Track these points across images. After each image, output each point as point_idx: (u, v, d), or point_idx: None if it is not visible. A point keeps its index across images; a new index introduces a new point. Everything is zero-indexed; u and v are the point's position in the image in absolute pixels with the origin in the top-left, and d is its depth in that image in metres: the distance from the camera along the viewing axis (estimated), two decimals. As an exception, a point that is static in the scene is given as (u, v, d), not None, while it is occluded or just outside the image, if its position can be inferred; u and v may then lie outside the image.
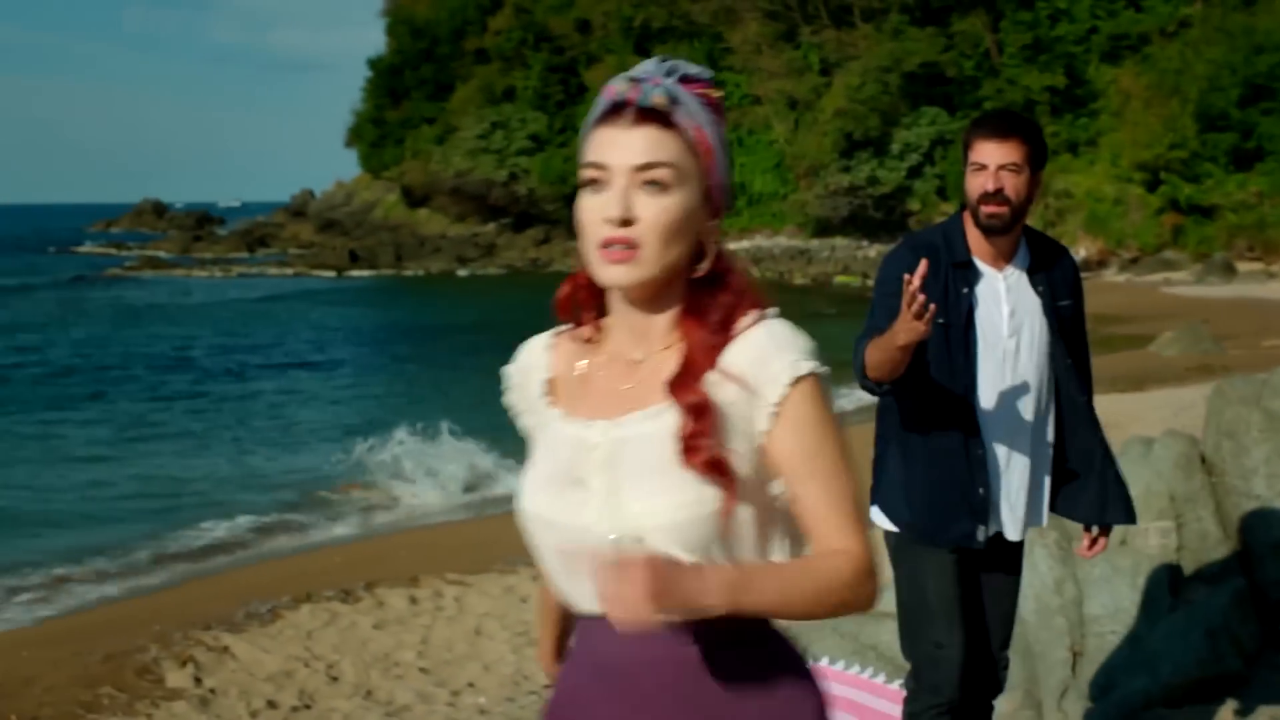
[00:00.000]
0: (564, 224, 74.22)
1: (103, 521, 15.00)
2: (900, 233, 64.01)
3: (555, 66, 78.50)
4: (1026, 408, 4.48)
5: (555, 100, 77.85)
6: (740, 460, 2.23)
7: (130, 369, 30.34)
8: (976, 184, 4.42)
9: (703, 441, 2.19)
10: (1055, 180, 56.83)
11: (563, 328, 2.49)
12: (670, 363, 2.29)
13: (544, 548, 2.35)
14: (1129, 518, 4.73)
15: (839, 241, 66.27)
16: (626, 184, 2.21)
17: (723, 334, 2.28)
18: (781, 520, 2.32)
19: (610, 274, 2.24)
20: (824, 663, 6.37)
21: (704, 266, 2.31)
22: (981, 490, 4.44)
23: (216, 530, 14.39)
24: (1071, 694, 6.16)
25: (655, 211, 2.21)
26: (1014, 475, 4.50)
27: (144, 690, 8.67)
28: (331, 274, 67.28)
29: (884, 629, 6.62)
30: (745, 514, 2.25)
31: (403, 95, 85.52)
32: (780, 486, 2.28)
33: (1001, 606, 4.76)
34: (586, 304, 2.43)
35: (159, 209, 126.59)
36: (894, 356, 4.16)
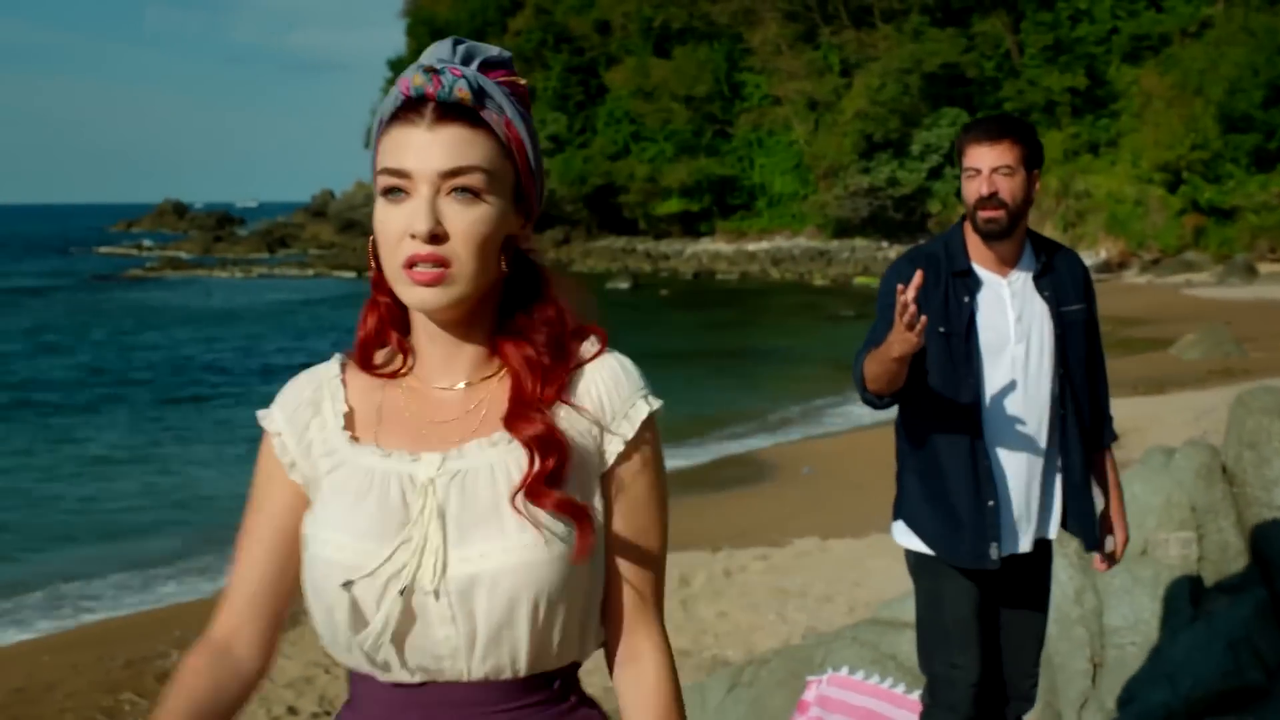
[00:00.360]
0: (583, 224, 74.36)
1: (124, 527, 15.07)
2: (920, 234, 64.16)
3: (575, 67, 78.65)
4: (1037, 415, 4.42)
5: (575, 101, 78.00)
6: (590, 499, 2.00)
7: (151, 373, 30.41)
8: (972, 189, 4.39)
9: (553, 480, 1.93)
10: (1076, 181, 56.78)
11: (341, 354, 2.16)
12: (499, 390, 2.04)
13: (341, 602, 1.93)
14: (1087, 540, 4.62)
15: (859, 243, 66.26)
16: (432, 193, 1.91)
17: (558, 359, 2.03)
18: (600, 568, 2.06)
19: (419, 296, 1.93)
20: (843, 672, 6.36)
21: (504, 269, 2.00)
22: (990, 503, 4.39)
23: (234, 535, 14.35)
24: (1091, 706, 6.14)
25: (467, 224, 1.92)
26: (1024, 485, 4.44)
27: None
28: (352, 275, 67.36)
29: (903, 639, 6.61)
30: (591, 559, 1.99)
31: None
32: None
33: (1029, 624, 4.70)
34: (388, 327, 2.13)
35: (180, 209, 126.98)
36: (890, 369, 4.13)
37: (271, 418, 2.11)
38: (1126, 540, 4.70)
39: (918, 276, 3.95)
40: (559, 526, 1.92)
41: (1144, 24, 61.92)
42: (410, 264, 1.91)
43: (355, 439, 2.03)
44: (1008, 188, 4.34)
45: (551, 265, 2.14)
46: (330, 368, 2.13)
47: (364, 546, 1.92)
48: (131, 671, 9.18)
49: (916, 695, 5.64)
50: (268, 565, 2.08)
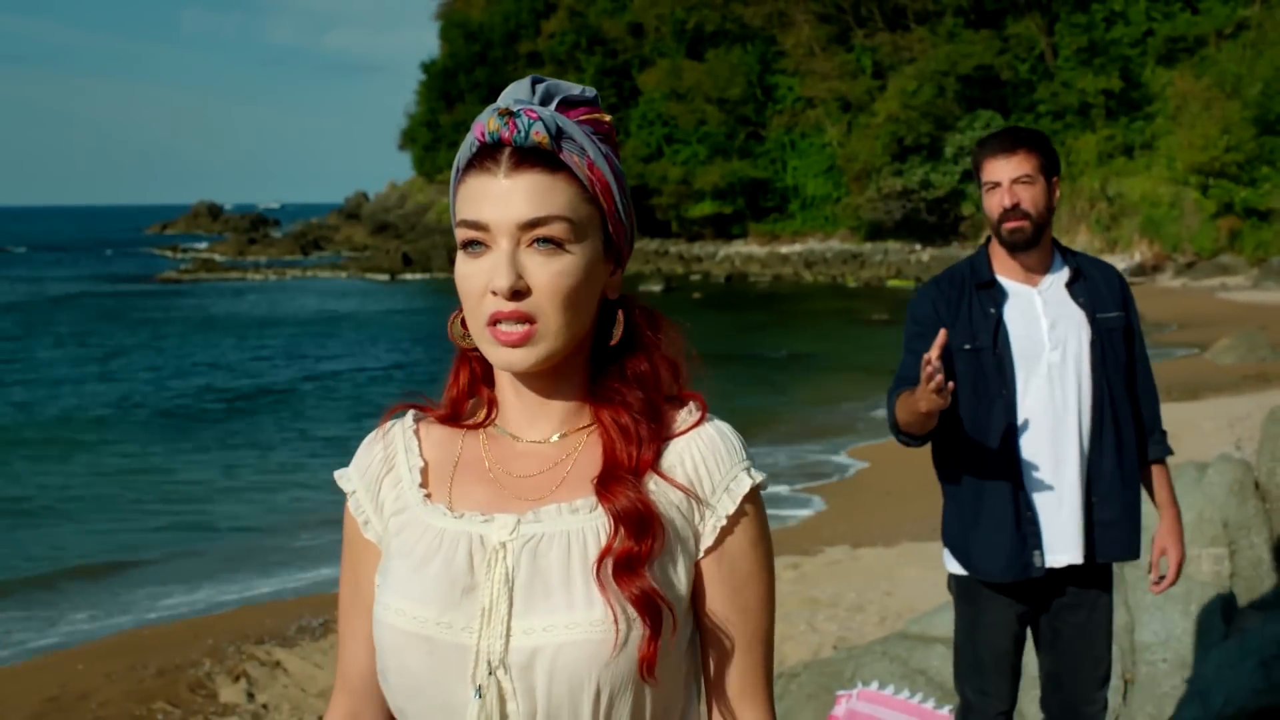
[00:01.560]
0: (616, 227, 74.14)
1: (157, 536, 15.10)
2: (953, 237, 63.98)
3: (608, 70, 78.64)
4: (1075, 424, 4.40)
5: (608, 104, 77.34)
6: (678, 587, 1.87)
7: (190, 381, 30.50)
8: (994, 202, 4.41)
9: (639, 564, 1.80)
10: (1110, 184, 56.51)
11: (417, 405, 2.06)
12: (586, 449, 1.92)
13: (410, 673, 1.85)
14: (1122, 551, 4.50)
15: (891, 245, 66.09)
16: (512, 245, 1.80)
17: (652, 424, 1.90)
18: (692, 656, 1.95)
19: (505, 358, 1.83)
20: (873, 687, 6.34)
21: (616, 333, 1.93)
22: (1030, 513, 4.38)
23: (269, 543, 14.45)
24: (1122, 723, 6.12)
25: (551, 276, 1.80)
26: (1065, 495, 4.40)
27: (197, 705, 8.75)
28: (385, 277, 67.53)
29: (934, 654, 6.61)
30: (672, 651, 1.86)
31: (456, 98, 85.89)
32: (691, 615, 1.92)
33: (1087, 648, 4.58)
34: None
35: (214, 211, 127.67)
36: (920, 418, 4.14)
37: (347, 477, 2.02)
38: (1181, 560, 4.63)
39: (941, 335, 3.95)
40: (634, 611, 1.79)
41: (1179, 26, 61.55)
42: (494, 322, 1.82)
43: (429, 496, 1.93)
44: (1029, 197, 4.37)
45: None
46: (405, 422, 2.02)
47: (426, 614, 1.82)
48: (164, 681, 9.21)
49: (947, 710, 5.64)
50: (371, 639, 1.95)
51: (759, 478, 1.92)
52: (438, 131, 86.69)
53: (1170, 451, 4.69)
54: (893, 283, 59.33)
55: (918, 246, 65.41)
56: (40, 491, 17.88)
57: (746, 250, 71.55)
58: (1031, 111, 62.36)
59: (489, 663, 1.79)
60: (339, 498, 2.05)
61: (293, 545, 14.30)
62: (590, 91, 1.92)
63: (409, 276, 68.05)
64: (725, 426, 1.95)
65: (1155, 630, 6.24)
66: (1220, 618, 6.20)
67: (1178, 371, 22.73)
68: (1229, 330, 27.30)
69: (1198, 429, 15.44)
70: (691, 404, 1.96)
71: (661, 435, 1.91)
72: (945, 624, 6.68)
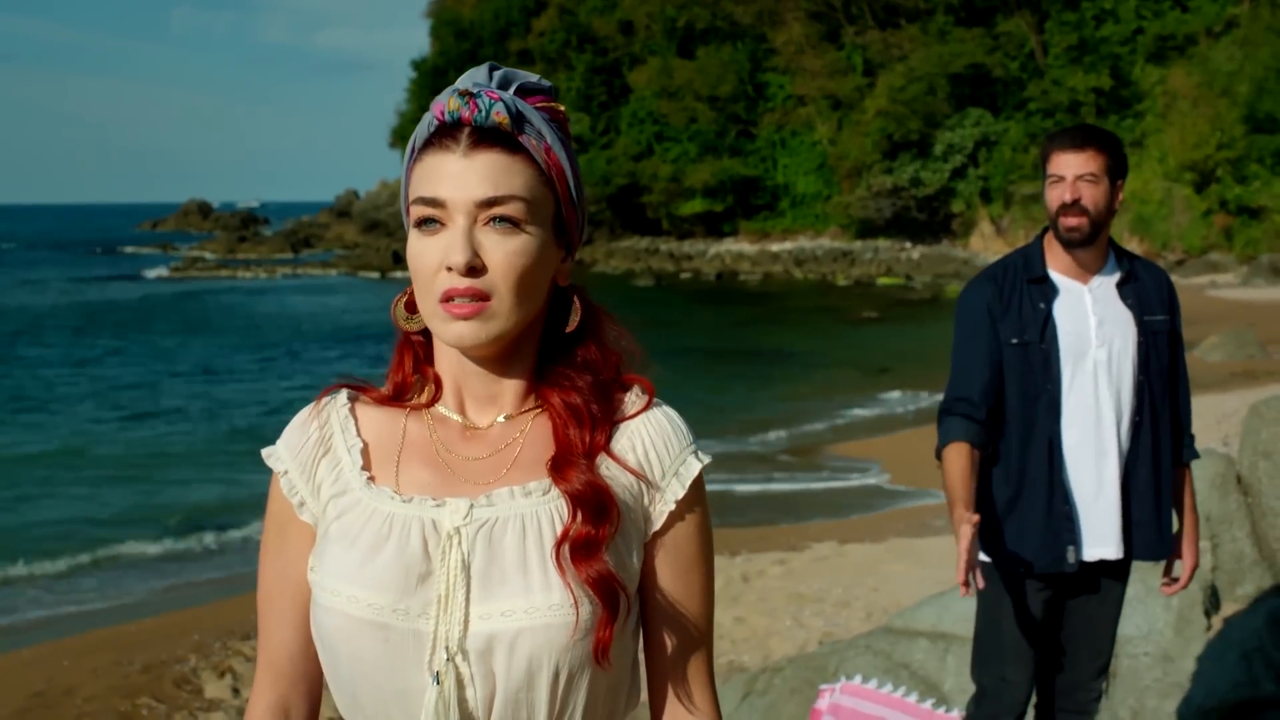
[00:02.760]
0: (606, 225, 74.32)
1: (143, 530, 15.08)
2: (943, 234, 64.05)
3: (599, 68, 78.65)
4: (1116, 422, 4.43)
5: (599, 101, 77.96)
6: (632, 570, 1.88)
7: (172, 377, 30.51)
8: (1055, 196, 4.41)
9: (597, 547, 1.80)
10: (1100, 182, 56.56)
11: (351, 384, 2.01)
12: (534, 431, 1.91)
13: (363, 660, 1.82)
14: (1154, 552, 4.56)
15: (882, 243, 66.19)
16: (468, 223, 1.80)
17: (602, 405, 1.91)
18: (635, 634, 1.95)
19: (456, 332, 1.81)
20: (856, 681, 6.35)
21: (573, 319, 1.93)
22: (1067, 507, 4.40)
23: (256, 540, 14.44)
24: (1104, 716, 6.12)
25: (507, 255, 1.80)
26: (1102, 491, 4.44)
27: (182, 701, 8.74)
28: (375, 275, 67.57)
29: (917, 648, 6.61)
30: (623, 634, 1.86)
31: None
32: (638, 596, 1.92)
33: (1097, 638, 4.65)
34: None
35: (204, 209, 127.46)
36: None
37: (277, 455, 1.97)
38: (1195, 566, 4.65)
39: (975, 519, 4.05)
40: (592, 594, 1.79)
41: (1169, 24, 61.65)
42: (447, 298, 1.80)
43: (372, 479, 1.89)
44: (1090, 195, 4.37)
45: (587, 267, 1.98)
46: (339, 401, 1.98)
47: (381, 601, 1.79)
48: (150, 676, 9.21)
49: (930, 705, 5.64)
50: (302, 622, 1.93)
51: (706, 460, 1.94)
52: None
53: (1196, 455, 4.72)
54: (883, 280, 59.44)
55: (908, 244, 65.51)
56: (14, 485, 17.91)
57: (737, 248, 71.60)
58: (1022, 109, 62.47)
59: (447, 649, 1.77)
60: None
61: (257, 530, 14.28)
62: (547, 82, 1.92)
63: (400, 274, 68.01)
64: (671, 410, 1.96)
65: (1137, 623, 6.24)
66: (1202, 611, 6.21)
67: (1166, 369, 22.71)
68: (1218, 328, 27.35)
69: (1185, 425, 15.43)
70: (637, 387, 1.96)
71: (611, 417, 1.91)
72: (929, 618, 6.69)
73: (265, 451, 1.98)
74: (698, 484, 1.93)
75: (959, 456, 4.29)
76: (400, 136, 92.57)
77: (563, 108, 1.93)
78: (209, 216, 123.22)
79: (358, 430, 1.94)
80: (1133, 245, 54.13)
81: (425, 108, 1.93)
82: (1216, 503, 6.43)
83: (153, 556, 13.95)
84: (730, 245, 72.31)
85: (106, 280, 65.48)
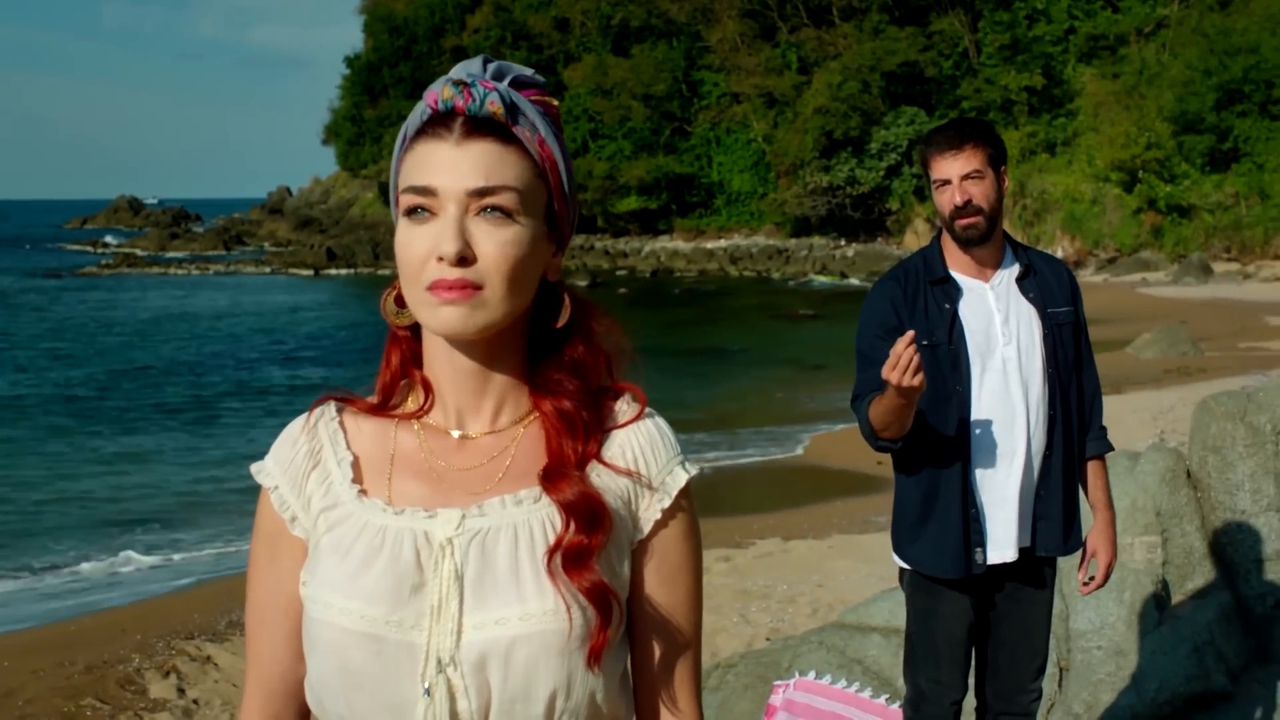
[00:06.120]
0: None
1: (80, 530, 14.93)
2: (878, 232, 64.39)
3: (533, 65, 78.14)
4: (1028, 419, 4.40)
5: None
6: (622, 578, 1.87)
7: (111, 375, 30.14)
8: (945, 200, 4.38)
9: (589, 556, 1.80)
10: (1033, 180, 57.05)
11: (339, 396, 1.99)
12: (526, 439, 1.90)
13: (354, 673, 1.79)
14: (1060, 546, 4.54)
15: (817, 241, 66.52)
16: (460, 212, 1.77)
17: (592, 412, 1.90)
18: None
19: (444, 318, 1.77)
20: (810, 676, 6.36)
21: (563, 315, 1.91)
22: (975, 510, 4.37)
23: (195, 537, 14.34)
24: (1058, 710, 6.17)
25: (498, 245, 1.77)
26: (1016, 490, 4.40)
27: (127, 701, 8.65)
28: (309, 273, 67.23)
29: (870, 643, 6.63)
30: (615, 641, 1.85)
31: (380, 93, 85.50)
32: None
33: (1028, 639, 4.63)
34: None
35: (135, 205, 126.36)
36: (901, 413, 4.10)
37: (267, 471, 1.94)
38: (1111, 563, 4.65)
39: (909, 335, 3.94)
40: (585, 601, 1.78)
41: (1100, 24, 62.37)
42: (436, 288, 1.76)
43: (364, 492, 1.87)
44: (980, 192, 4.34)
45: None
46: (327, 413, 1.95)
47: (373, 613, 1.77)
48: (93, 676, 9.11)
49: (884, 700, 5.65)
50: (295, 638, 1.90)
51: (693, 471, 1.93)
52: (362, 126, 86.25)
53: (1111, 448, 4.71)
54: (818, 278, 59.68)
55: (843, 242, 65.85)
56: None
57: (672, 245, 71.74)
58: (955, 108, 62.81)
59: (439, 660, 1.76)
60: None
61: (216, 539, 14.24)
62: (540, 77, 1.89)
63: (333, 272, 67.76)
64: (662, 421, 1.96)
65: (1090, 618, 6.28)
66: (1154, 605, 6.26)
67: (1101, 366, 22.52)
68: (1151, 325, 27.59)
69: (1122, 422, 15.58)
70: (628, 395, 1.95)
71: (602, 425, 1.90)
72: (882, 614, 6.70)
73: (254, 467, 1.96)
74: (685, 493, 1.92)
75: (875, 398, 4.22)
76: (333, 133, 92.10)
77: (556, 102, 1.91)
78: (140, 213, 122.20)
79: (347, 443, 1.92)
80: (1064, 244, 54.65)
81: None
82: (1167, 497, 6.48)
83: (93, 554, 13.78)
84: (666, 243, 72.43)
85: (34, 277, 64.74)
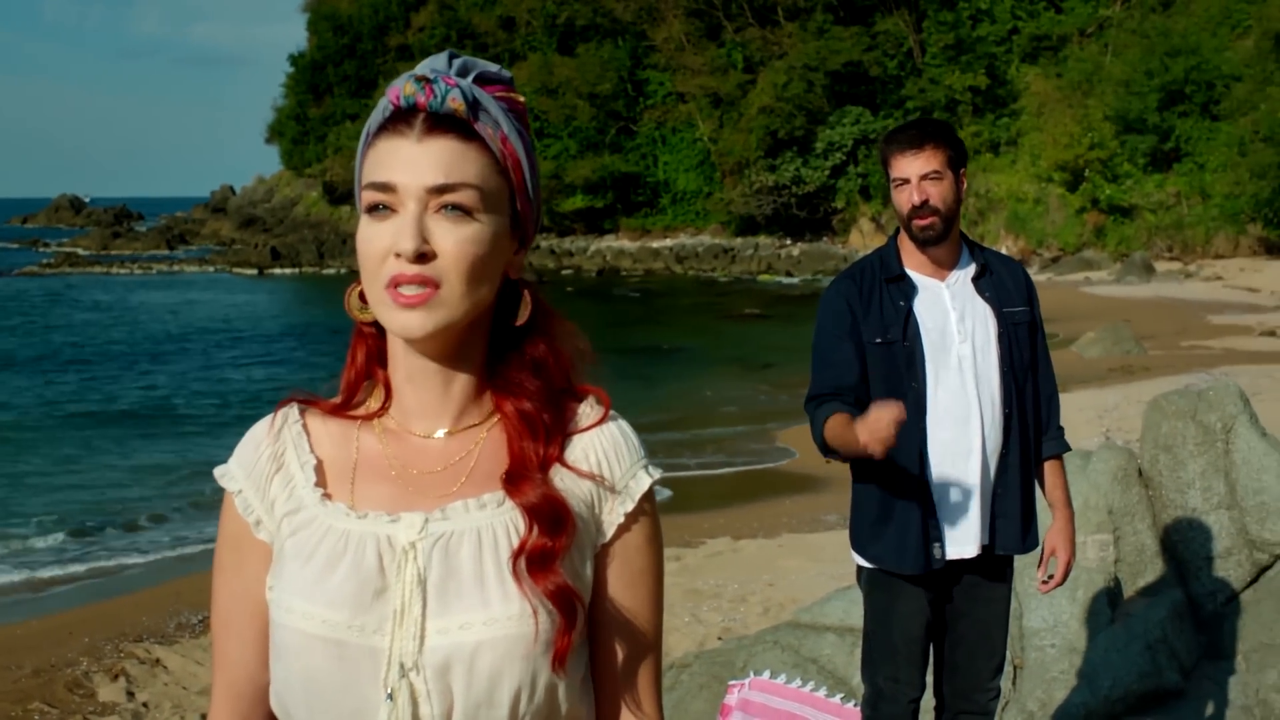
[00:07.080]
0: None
1: (25, 533, 14.77)
2: (824, 231, 64.55)
3: (479, 63, 78.35)
4: (984, 417, 4.41)
5: (478, 98, 77.71)
6: (585, 580, 1.87)
7: (55, 375, 29.96)
8: (903, 199, 4.40)
9: (553, 559, 1.79)
10: (977, 180, 57.34)
11: (302, 399, 1.97)
12: (488, 441, 1.89)
13: (316, 678, 1.78)
14: (1018, 545, 4.55)
15: (762, 240, 66.60)
16: (419, 209, 1.76)
17: (554, 415, 1.90)
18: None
19: (402, 320, 1.77)
20: (765, 676, 6.36)
21: (523, 313, 1.90)
22: (933, 505, 4.39)
23: (143, 539, 14.24)
24: (1012, 708, 6.19)
25: (457, 243, 1.76)
26: (973, 487, 4.42)
27: (75, 705, 8.58)
28: (253, 272, 66.91)
29: (824, 642, 6.64)
30: (578, 644, 1.85)
31: (324, 91, 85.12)
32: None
33: (986, 638, 4.65)
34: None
35: (76, 204, 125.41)
36: (856, 451, 4.11)
37: (230, 474, 1.93)
38: (1070, 562, 4.67)
39: (900, 411, 3.95)
40: (550, 604, 1.78)
41: (1043, 24, 62.81)
42: (394, 285, 1.76)
43: (327, 496, 1.86)
44: (938, 193, 4.36)
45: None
46: (290, 415, 1.94)
47: (336, 617, 1.76)
48: (41, 680, 9.02)
49: (839, 699, 5.66)
50: (261, 641, 1.89)
51: (656, 475, 1.94)
52: (306, 125, 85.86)
53: (1068, 448, 4.72)
54: (763, 277, 59.83)
55: (788, 241, 65.96)
56: None
57: (618, 245, 71.71)
58: (900, 108, 63.04)
59: (401, 665, 1.75)
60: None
61: (163, 540, 14.13)
62: (507, 73, 1.89)
63: (278, 271, 67.47)
64: (625, 424, 1.96)
65: (1043, 616, 6.31)
66: (1106, 603, 6.29)
67: (1046, 364, 23.04)
68: (1094, 324, 27.73)
69: (1068, 420, 15.44)
70: (592, 398, 1.96)
71: (564, 428, 1.90)
72: (836, 613, 6.71)
73: (218, 471, 1.94)
74: (648, 497, 1.92)
75: (839, 419, 4.22)
76: (277, 132, 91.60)
77: (522, 98, 1.90)
78: (81, 212, 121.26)
79: (310, 446, 1.91)
80: (1009, 243, 54.96)
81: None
82: (1119, 496, 6.52)
83: (39, 555, 13.68)
84: (611, 242, 72.39)
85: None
